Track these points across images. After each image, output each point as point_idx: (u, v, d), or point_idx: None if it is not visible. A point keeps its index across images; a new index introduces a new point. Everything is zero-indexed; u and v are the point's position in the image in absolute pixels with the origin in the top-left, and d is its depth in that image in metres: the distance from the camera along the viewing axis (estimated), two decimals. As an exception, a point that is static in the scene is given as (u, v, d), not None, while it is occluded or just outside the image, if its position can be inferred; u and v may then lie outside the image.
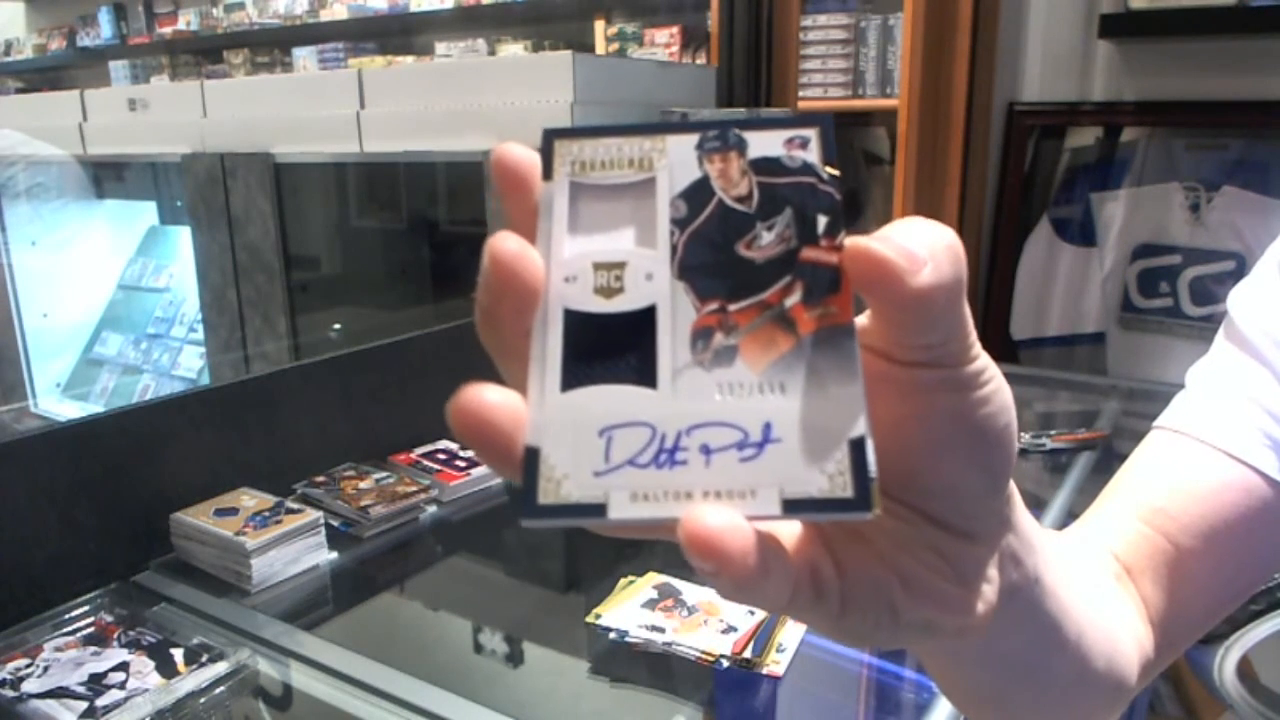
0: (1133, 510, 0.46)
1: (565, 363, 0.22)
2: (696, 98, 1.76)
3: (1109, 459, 1.29)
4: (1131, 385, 1.63)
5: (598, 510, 0.21)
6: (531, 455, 0.22)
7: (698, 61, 2.66)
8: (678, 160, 0.23)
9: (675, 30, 2.77)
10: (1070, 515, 1.09)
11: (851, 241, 0.22)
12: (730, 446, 0.21)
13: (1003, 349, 1.85)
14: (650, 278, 0.23)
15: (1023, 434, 1.31)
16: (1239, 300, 0.49)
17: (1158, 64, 1.70)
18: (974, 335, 0.24)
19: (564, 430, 0.22)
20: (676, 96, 1.70)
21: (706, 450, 0.21)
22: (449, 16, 3.30)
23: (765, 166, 0.23)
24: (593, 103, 1.49)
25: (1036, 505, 1.14)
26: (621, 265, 0.23)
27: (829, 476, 0.21)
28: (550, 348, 0.22)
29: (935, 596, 0.25)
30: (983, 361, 0.24)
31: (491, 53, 3.24)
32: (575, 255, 0.23)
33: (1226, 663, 1.00)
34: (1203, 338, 0.50)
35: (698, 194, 0.23)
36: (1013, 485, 0.27)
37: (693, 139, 0.23)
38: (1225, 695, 1.03)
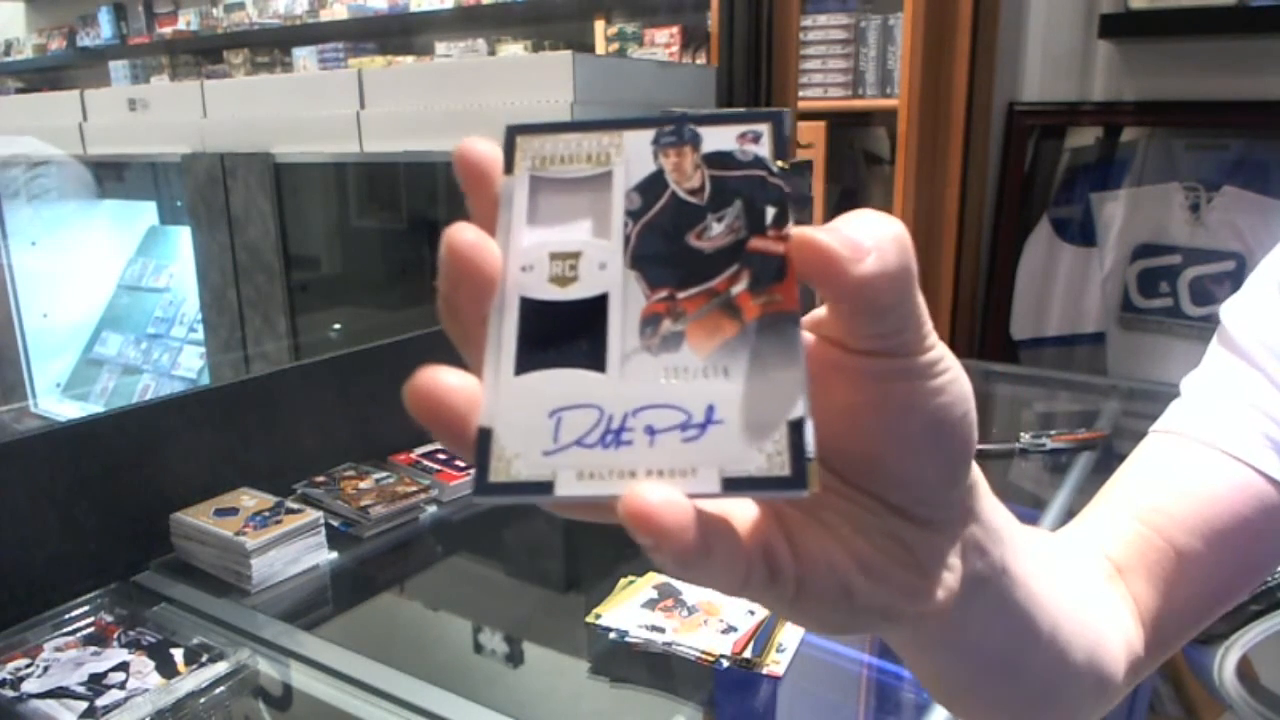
0: (1130, 510, 0.46)
1: (519, 348, 0.23)
2: (696, 98, 1.75)
3: (1109, 459, 1.29)
4: (1131, 385, 1.62)
5: (545, 488, 0.22)
6: (484, 436, 0.23)
7: (698, 61, 2.66)
8: (634, 155, 0.24)
9: (675, 30, 2.78)
10: (1070, 515, 1.09)
11: (797, 231, 0.22)
12: (674, 427, 0.22)
13: (1003, 349, 1.85)
14: (604, 267, 0.23)
15: (1023, 434, 1.31)
16: (1233, 312, 0.49)
17: (1158, 64, 1.70)
18: (929, 326, 0.24)
19: (516, 412, 0.23)
20: (676, 96, 1.70)
21: (651, 431, 0.22)
22: (449, 16, 3.30)
23: (718, 160, 0.24)
24: (593, 103, 1.49)
25: (1036, 505, 1.14)
26: (577, 255, 0.24)
27: (767, 456, 0.22)
28: (506, 333, 0.23)
29: (893, 582, 0.25)
30: (938, 352, 0.24)
31: (491, 53, 3.24)
32: (532, 245, 0.24)
33: (1226, 663, 1.00)
34: (1203, 338, 0.50)
35: (652, 187, 0.24)
36: (978, 475, 0.27)
37: (649, 134, 0.24)
38: (1225, 695, 1.03)
